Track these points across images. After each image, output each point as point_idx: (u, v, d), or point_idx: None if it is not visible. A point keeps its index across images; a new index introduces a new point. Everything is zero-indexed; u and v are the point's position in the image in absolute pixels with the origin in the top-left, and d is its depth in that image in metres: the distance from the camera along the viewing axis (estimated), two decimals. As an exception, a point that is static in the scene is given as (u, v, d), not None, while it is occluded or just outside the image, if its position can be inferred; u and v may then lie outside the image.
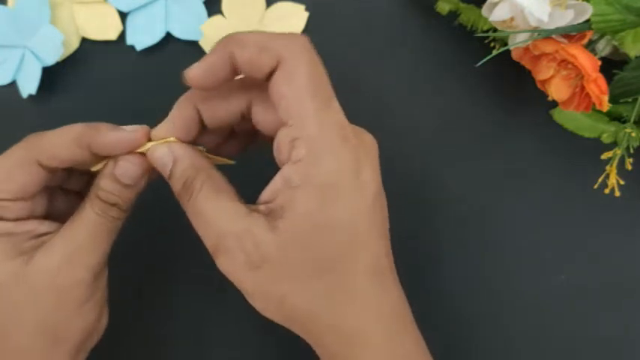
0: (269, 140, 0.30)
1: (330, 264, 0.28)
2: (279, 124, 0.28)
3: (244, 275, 0.28)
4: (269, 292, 0.29)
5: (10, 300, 0.29)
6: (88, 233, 0.30)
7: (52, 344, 0.30)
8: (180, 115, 0.31)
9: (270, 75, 0.28)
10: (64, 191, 0.34)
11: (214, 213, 0.29)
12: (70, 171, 0.33)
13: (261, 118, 0.30)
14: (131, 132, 0.31)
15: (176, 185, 0.30)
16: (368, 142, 0.30)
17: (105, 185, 0.31)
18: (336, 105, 0.29)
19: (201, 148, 0.32)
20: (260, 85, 0.30)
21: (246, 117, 0.31)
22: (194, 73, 0.29)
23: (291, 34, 0.29)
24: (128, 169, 0.31)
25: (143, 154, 0.31)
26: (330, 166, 0.27)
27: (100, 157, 0.31)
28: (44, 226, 0.31)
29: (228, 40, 0.29)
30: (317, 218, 0.27)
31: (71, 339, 0.30)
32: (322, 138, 0.28)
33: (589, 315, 0.41)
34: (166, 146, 0.30)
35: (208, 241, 0.29)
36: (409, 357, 0.31)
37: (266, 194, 0.29)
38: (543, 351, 0.41)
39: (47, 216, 0.33)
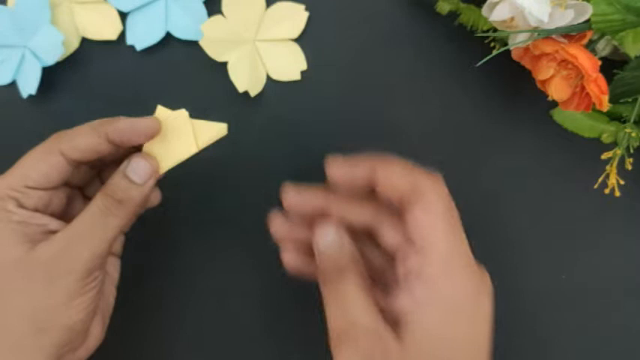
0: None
1: None
2: (404, 244, 0.31)
3: None
4: None
5: (6, 282, 0.31)
6: (86, 226, 0.31)
7: (34, 333, 0.30)
8: None
9: (400, 199, 0.31)
10: (85, 199, 0.36)
11: (355, 302, 0.30)
12: (90, 177, 0.36)
13: (389, 235, 0.32)
14: (145, 119, 0.33)
15: (327, 264, 0.31)
16: (485, 273, 0.33)
17: (113, 179, 0.32)
18: (464, 238, 0.32)
19: (184, 110, 0.33)
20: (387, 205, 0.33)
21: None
22: (336, 171, 0.32)
23: (427, 172, 0.32)
24: (138, 165, 0.32)
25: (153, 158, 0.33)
26: (457, 287, 0.30)
27: (119, 150, 0.33)
28: (56, 224, 0.32)
29: (377, 160, 0.32)
30: (442, 334, 0.29)
31: (53, 334, 0.31)
32: (451, 261, 0.30)
33: (589, 315, 0.41)
34: (335, 229, 0.32)
35: (337, 324, 0.30)
36: None
37: (389, 303, 0.31)
38: (543, 350, 0.41)
39: (63, 218, 0.33)
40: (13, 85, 0.42)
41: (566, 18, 0.33)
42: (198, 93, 0.42)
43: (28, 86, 0.41)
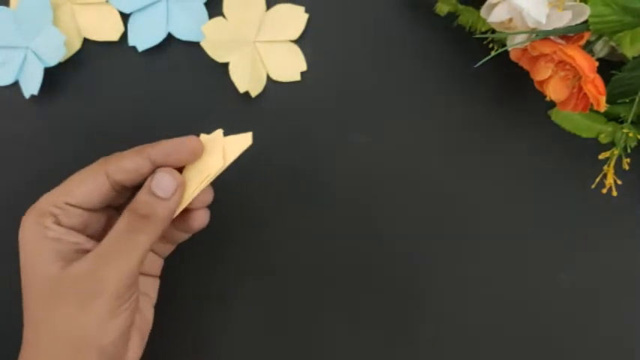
0: None
1: None
2: None
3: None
4: None
5: (42, 301, 0.30)
6: (113, 245, 0.31)
7: (74, 353, 0.30)
8: None
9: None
10: None
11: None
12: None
13: None
14: (186, 138, 0.32)
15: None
16: None
17: (138, 196, 0.32)
18: None
19: (220, 130, 0.33)
20: None
21: None
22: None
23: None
24: (162, 179, 0.32)
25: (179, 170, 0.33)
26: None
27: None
28: (90, 244, 0.32)
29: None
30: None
31: (91, 356, 0.30)
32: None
33: (588, 314, 0.41)
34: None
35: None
36: None
37: None
38: (543, 350, 0.41)
39: (101, 239, 0.33)
40: (15, 85, 0.42)
41: (564, 19, 0.33)
42: (199, 93, 0.42)
43: (31, 87, 0.41)
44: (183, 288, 0.41)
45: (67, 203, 0.32)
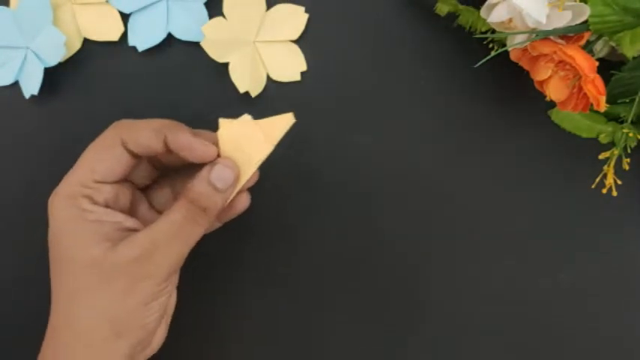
0: None
1: None
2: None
3: None
4: None
5: (85, 283, 0.30)
6: (170, 232, 0.31)
7: (113, 336, 0.30)
8: None
9: None
10: (148, 201, 0.36)
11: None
12: (154, 178, 0.36)
13: None
14: (204, 145, 0.32)
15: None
16: None
17: (196, 187, 0.32)
18: None
19: (247, 115, 0.33)
20: None
21: None
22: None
23: None
24: (223, 172, 0.32)
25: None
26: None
27: (173, 157, 0.33)
28: (131, 222, 0.32)
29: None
30: None
31: (131, 334, 0.31)
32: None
33: (587, 314, 0.41)
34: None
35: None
36: None
37: None
38: (542, 350, 0.41)
39: (131, 214, 0.34)
40: (15, 85, 0.42)
41: (564, 19, 0.33)
42: (199, 94, 0.42)
43: (31, 87, 0.41)
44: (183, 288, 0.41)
45: (94, 181, 0.32)
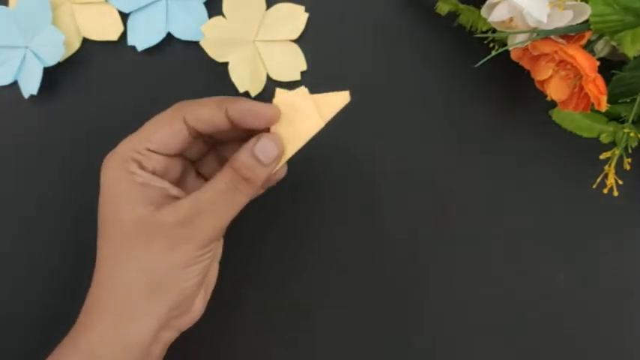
0: None
1: None
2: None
3: None
4: None
5: (128, 240, 0.32)
6: (213, 199, 0.32)
7: (149, 292, 0.31)
8: None
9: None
10: (198, 174, 0.37)
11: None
12: (204, 152, 0.37)
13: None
14: (266, 107, 0.33)
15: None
16: None
17: (241, 157, 0.32)
18: None
19: (304, 87, 0.33)
20: None
21: None
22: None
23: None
24: (267, 145, 0.32)
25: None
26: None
27: (231, 131, 0.33)
28: (175, 191, 0.33)
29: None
30: None
31: (167, 296, 0.32)
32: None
33: (587, 314, 0.41)
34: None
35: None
36: None
37: None
38: (542, 350, 0.41)
39: (179, 186, 0.35)
40: (14, 85, 0.42)
41: (565, 19, 0.33)
42: (199, 93, 0.41)
43: (30, 86, 0.41)
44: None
45: (147, 149, 0.33)
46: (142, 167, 0.33)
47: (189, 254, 0.32)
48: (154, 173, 0.33)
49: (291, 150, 0.33)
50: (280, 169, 0.35)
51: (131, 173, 0.32)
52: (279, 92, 0.33)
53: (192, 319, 0.34)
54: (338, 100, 0.33)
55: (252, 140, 0.33)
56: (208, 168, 0.37)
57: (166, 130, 0.33)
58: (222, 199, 0.32)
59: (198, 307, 0.34)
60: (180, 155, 0.35)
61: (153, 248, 0.31)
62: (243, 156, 0.32)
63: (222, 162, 0.37)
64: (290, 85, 0.42)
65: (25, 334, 0.41)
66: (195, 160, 0.37)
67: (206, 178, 0.37)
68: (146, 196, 0.32)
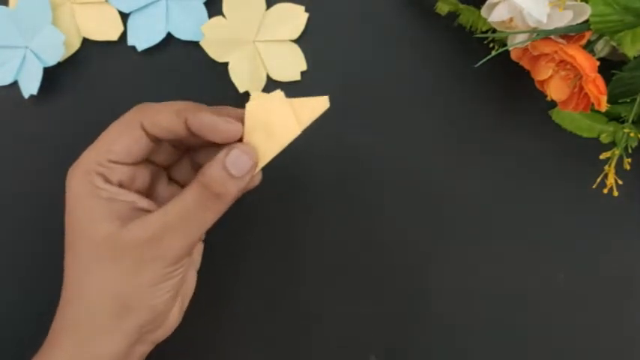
0: None
1: None
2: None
3: None
4: None
5: (94, 259, 0.30)
6: (181, 217, 0.30)
7: (117, 313, 0.30)
8: None
9: None
10: (170, 180, 0.35)
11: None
12: (176, 158, 0.35)
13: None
14: (228, 123, 0.31)
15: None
16: None
17: (211, 171, 0.30)
18: None
19: (280, 91, 0.31)
20: None
21: None
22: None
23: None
24: (239, 158, 0.30)
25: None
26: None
27: (195, 139, 0.31)
28: (144, 203, 0.32)
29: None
30: None
31: (136, 315, 0.31)
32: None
33: (588, 314, 0.41)
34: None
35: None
36: None
37: None
38: (542, 350, 0.41)
39: (149, 196, 0.33)
40: (14, 85, 0.42)
41: (565, 19, 0.33)
42: (198, 93, 0.42)
43: (30, 86, 0.41)
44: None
45: (109, 160, 0.31)
46: (107, 181, 0.31)
47: (158, 272, 0.31)
48: (120, 185, 0.32)
49: (265, 158, 0.31)
50: (255, 177, 0.33)
51: (96, 187, 0.31)
52: (254, 96, 0.32)
53: (167, 331, 0.33)
54: (317, 105, 0.31)
55: (223, 152, 0.31)
56: (182, 174, 0.35)
57: (126, 140, 0.31)
58: (190, 216, 0.30)
59: (173, 319, 0.33)
60: (147, 161, 0.34)
61: (120, 267, 0.30)
62: (212, 170, 0.30)
63: (196, 168, 0.35)
64: (290, 85, 0.42)
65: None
66: (167, 166, 0.35)
67: (180, 184, 0.35)
68: (113, 211, 0.31)
